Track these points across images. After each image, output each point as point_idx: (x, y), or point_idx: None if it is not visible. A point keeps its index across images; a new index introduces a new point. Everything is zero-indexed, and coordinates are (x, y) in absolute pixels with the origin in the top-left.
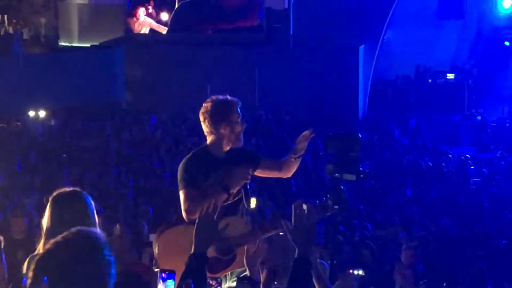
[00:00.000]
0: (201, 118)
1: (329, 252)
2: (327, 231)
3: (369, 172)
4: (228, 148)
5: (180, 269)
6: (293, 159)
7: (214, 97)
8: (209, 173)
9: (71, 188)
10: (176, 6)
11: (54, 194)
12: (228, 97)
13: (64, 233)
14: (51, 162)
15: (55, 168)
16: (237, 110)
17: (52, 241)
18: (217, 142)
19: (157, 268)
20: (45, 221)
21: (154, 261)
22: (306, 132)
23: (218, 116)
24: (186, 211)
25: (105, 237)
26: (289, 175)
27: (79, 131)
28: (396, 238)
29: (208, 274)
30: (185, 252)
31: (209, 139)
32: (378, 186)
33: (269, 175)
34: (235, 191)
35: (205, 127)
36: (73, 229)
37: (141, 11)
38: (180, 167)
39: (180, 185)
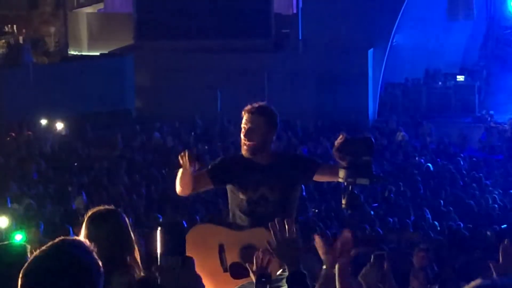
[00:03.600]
0: None
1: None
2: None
3: (382, 176)
4: (263, 153)
5: (203, 258)
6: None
7: None
8: (239, 171)
9: (107, 207)
10: None
11: (90, 212)
12: (252, 103)
13: (50, 242)
14: (63, 171)
15: (67, 177)
16: (245, 116)
17: (38, 249)
18: None
19: None
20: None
21: None
22: (340, 137)
23: None
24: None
25: (90, 245)
26: None
27: (90, 139)
28: (410, 241)
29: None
30: (210, 246)
31: None
32: (389, 189)
33: (326, 180)
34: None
35: None
36: (58, 239)
37: None
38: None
39: None
